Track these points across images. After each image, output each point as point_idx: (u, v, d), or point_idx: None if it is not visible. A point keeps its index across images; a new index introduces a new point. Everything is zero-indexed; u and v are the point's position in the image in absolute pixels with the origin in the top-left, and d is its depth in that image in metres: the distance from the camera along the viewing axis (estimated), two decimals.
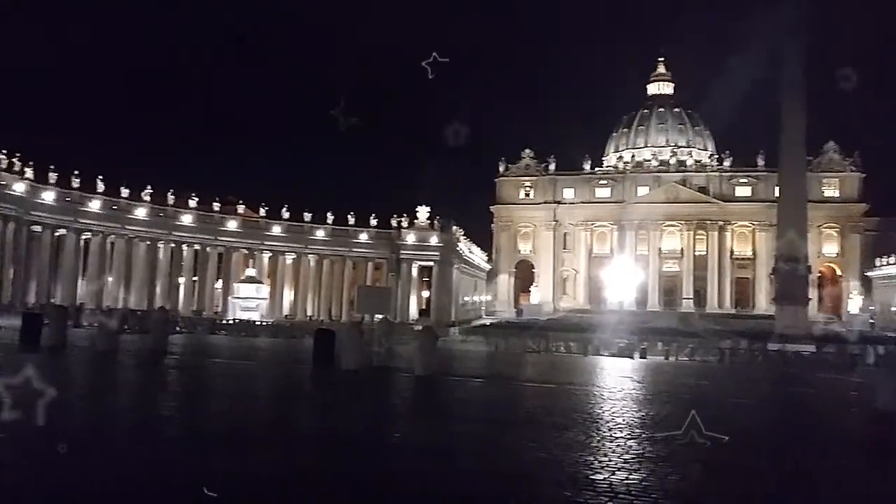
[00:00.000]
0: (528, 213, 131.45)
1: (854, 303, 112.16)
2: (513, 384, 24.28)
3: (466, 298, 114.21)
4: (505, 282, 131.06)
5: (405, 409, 17.47)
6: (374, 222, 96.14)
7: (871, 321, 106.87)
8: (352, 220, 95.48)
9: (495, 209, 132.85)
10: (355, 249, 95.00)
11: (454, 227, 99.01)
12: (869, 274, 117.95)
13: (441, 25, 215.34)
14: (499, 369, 31.37)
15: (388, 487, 8.69)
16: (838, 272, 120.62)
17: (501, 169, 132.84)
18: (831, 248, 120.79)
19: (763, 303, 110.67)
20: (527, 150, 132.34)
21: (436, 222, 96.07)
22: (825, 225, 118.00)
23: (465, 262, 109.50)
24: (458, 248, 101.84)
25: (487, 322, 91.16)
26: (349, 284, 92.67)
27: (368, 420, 14.42)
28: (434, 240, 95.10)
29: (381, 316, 34.58)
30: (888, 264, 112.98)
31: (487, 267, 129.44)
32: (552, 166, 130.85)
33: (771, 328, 57.74)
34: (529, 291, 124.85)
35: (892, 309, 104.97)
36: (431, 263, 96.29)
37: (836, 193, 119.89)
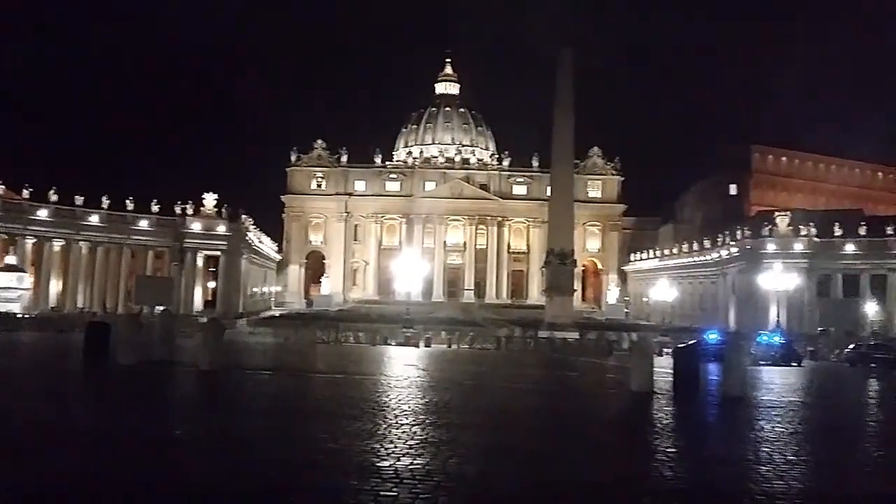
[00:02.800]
0: (319, 204, 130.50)
1: (612, 294, 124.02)
2: (302, 376, 24.34)
3: (255, 289, 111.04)
4: (296, 272, 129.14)
5: (188, 405, 16.87)
6: (155, 208, 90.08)
7: (627, 311, 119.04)
8: (131, 206, 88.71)
9: (287, 199, 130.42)
10: (134, 237, 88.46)
11: (243, 216, 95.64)
12: (625, 268, 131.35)
13: (242, 15, 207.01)
14: (288, 361, 31.17)
15: (167, 487, 8.44)
16: (599, 266, 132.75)
17: (293, 158, 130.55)
18: (594, 244, 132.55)
19: (535, 294, 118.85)
20: (319, 141, 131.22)
21: (224, 210, 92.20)
22: (589, 223, 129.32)
23: (254, 252, 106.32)
24: (247, 238, 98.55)
25: (277, 313, 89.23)
26: (127, 274, 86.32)
27: (146, 417, 13.77)
28: (222, 228, 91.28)
29: (162, 308, 32.86)
30: (641, 259, 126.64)
31: (278, 257, 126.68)
32: (344, 158, 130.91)
33: (542, 317, 62.07)
34: (320, 282, 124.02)
35: (644, 300, 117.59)
36: (218, 253, 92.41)
37: (599, 194, 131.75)
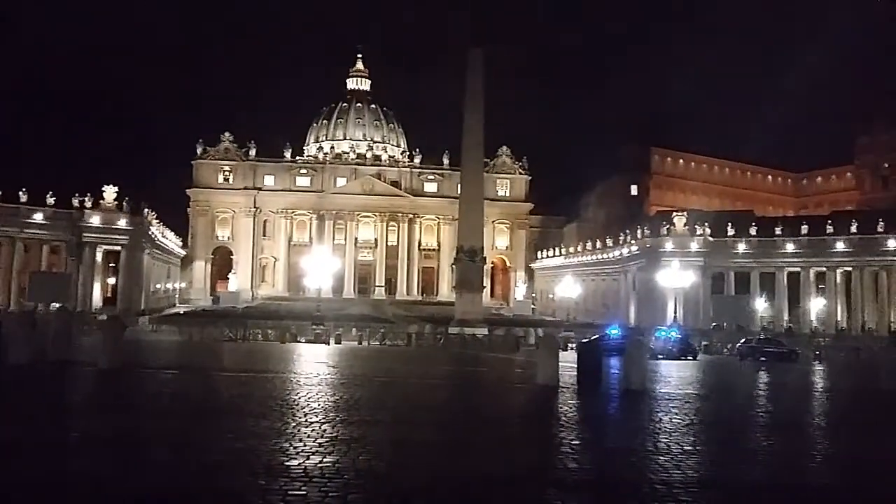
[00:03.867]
0: (227, 199, 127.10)
1: (520, 291, 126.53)
2: (208, 374, 23.73)
3: (159, 286, 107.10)
4: (201, 268, 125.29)
5: (85, 406, 16.18)
6: (51, 201, 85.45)
7: (534, 307, 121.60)
8: (24, 197, 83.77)
9: (192, 193, 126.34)
10: (28, 230, 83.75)
11: (146, 210, 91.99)
12: (532, 265, 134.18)
13: (149, 3, 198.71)
14: (193, 360, 30.32)
15: (62, 492, 8.14)
16: (508, 263, 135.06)
17: (199, 151, 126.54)
18: (503, 242, 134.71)
19: (445, 290, 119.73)
20: (227, 134, 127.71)
21: (125, 203, 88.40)
22: (498, 221, 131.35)
23: (157, 248, 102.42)
24: (150, 232, 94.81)
25: (182, 311, 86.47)
26: (20, 270, 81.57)
27: (39, 419, 13.15)
28: (123, 222, 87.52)
29: (58, 305, 31.35)
30: (547, 257, 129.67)
31: (183, 253, 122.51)
32: (253, 152, 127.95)
33: (452, 313, 62.48)
34: (227, 279, 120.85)
35: (550, 296, 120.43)
36: (119, 248, 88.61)
37: (508, 193, 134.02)
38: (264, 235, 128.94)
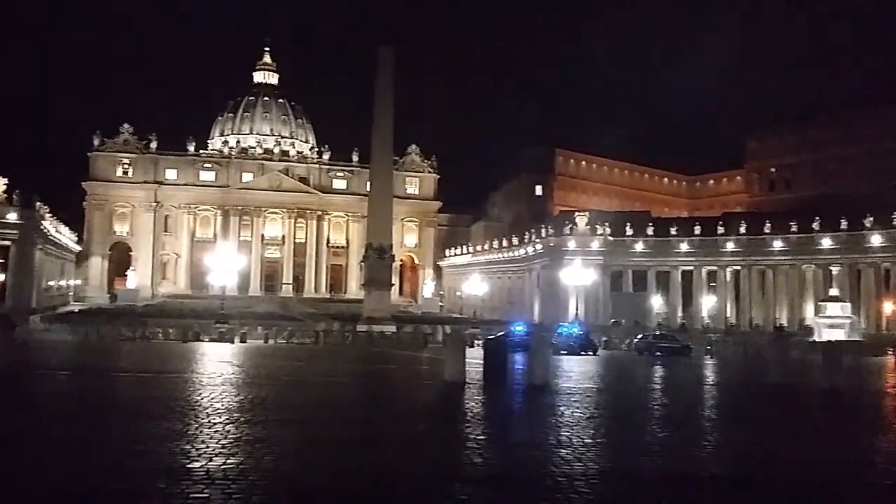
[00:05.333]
0: (126, 193, 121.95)
1: (428, 288, 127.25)
2: (105, 375, 22.84)
3: (52, 283, 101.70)
4: (98, 265, 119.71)
5: None
6: None
7: (441, 304, 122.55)
8: None
9: (88, 186, 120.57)
10: None
11: (38, 203, 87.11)
12: (440, 263, 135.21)
13: None
14: (89, 360, 29.10)
15: None
16: (416, 261, 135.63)
17: (97, 143, 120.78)
18: (411, 240, 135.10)
19: (354, 288, 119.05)
20: (126, 125, 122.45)
21: (15, 196, 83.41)
22: (407, 219, 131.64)
23: (50, 243, 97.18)
24: (42, 227, 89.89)
25: (76, 309, 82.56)
26: None
27: None
28: (12, 216, 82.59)
29: None
30: (455, 255, 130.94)
31: (78, 249, 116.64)
32: (154, 144, 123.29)
33: (360, 311, 62.27)
34: (126, 276, 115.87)
35: (458, 294, 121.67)
36: (8, 243, 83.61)
37: (417, 191, 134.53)
38: (166, 231, 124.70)
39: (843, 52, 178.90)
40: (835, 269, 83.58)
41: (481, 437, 12.99)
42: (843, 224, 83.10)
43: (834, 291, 75.62)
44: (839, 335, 64.27)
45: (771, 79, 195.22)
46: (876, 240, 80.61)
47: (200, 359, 31.19)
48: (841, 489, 9.68)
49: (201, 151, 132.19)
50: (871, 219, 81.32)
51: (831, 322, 69.28)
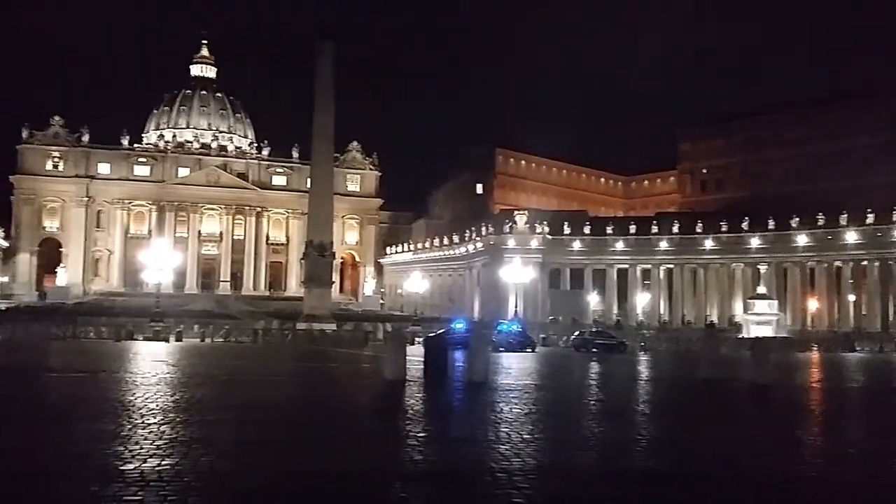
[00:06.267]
0: (56, 187, 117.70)
1: (369, 286, 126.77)
2: (34, 375, 22.11)
3: None
4: (26, 262, 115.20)
5: None
6: None
7: (382, 302, 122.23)
8: None
9: (16, 180, 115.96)
10: None
11: None
12: (381, 261, 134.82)
13: None
14: (15, 359, 28.08)
15: None
16: (357, 258, 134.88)
17: (25, 135, 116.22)
18: (352, 237, 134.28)
19: (294, 285, 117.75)
20: (56, 118, 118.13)
21: None
22: (348, 216, 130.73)
23: None
24: None
25: (3, 307, 79.40)
26: None
27: None
28: None
29: None
30: (396, 253, 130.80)
31: (5, 245, 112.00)
32: (86, 137, 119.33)
33: (300, 309, 61.64)
34: (56, 273, 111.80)
35: (399, 291, 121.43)
36: None
37: (358, 188, 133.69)
38: (98, 227, 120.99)
39: (771, 56, 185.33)
40: (762, 268, 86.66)
41: (421, 435, 13.07)
42: (771, 224, 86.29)
43: (762, 289, 78.37)
44: (767, 331, 66.57)
45: (705, 81, 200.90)
46: (801, 240, 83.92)
47: (134, 358, 30.48)
48: (768, 481, 10.09)
49: (136, 145, 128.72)
50: (797, 219, 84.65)
51: (759, 319, 71.71)
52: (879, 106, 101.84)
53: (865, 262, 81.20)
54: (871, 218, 79.72)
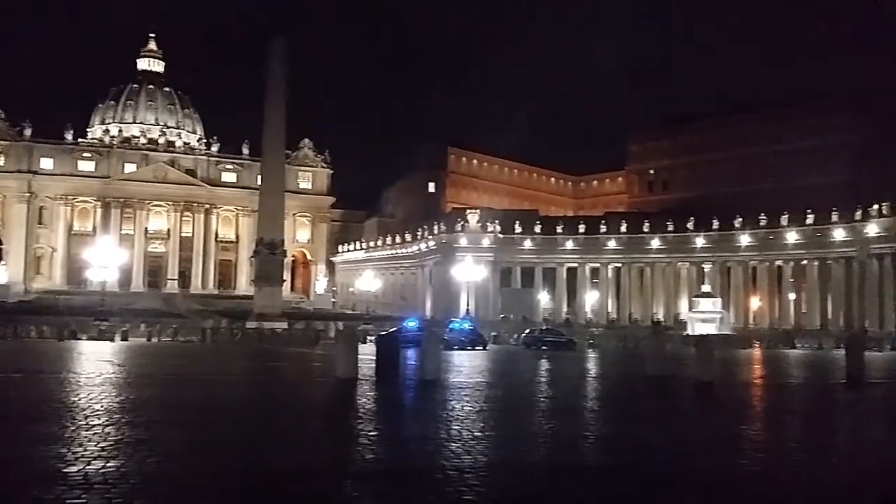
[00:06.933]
0: None
1: (320, 284, 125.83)
2: None
3: None
4: None
5: None
6: None
7: (334, 300, 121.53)
8: None
9: None
10: None
11: None
12: (333, 259, 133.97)
13: None
14: None
15: None
16: (309, 256, 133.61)
17: None
18: (304, 235, 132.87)
19: (244, 284, 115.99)
20: None
21: None
22: (299, 214, 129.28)
23: None
24: None
25: None
26: None
27: None
28: None
29: None
30: (348, 251, 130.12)
31: None
32: (28, 131, 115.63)
33: (251, 308, 61.04)
34: None
35: (351, 290, 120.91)
36: None
37: (310, 186, 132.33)
38: (40, 223, 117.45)
39: (717, 59, 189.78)
40: (707, 267, 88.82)
41: (373, 433, 13.07)
42: (715, 224, 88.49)
43: (706, 288, 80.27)
44: (711, 329, 68.17)
45: (654, 83, 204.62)
46: (744, 240, 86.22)
47: (78, 358, 29.79)
48: (713, 475, 10.36)
49: (80, 140, 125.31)
50: (741, 220, 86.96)
51: (703, 317, 73.38)
52: (821, 111, 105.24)
53: (805, 262, 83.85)
54: (810, 219, 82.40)
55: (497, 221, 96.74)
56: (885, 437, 15.03)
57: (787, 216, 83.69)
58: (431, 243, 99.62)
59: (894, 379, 26.30)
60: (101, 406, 14.83)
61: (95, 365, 26.17)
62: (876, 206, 75.80)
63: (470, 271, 72.25)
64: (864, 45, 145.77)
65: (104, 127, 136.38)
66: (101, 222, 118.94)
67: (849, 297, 79.30)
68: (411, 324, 47.96)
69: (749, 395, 22.89)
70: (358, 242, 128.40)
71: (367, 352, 27.37)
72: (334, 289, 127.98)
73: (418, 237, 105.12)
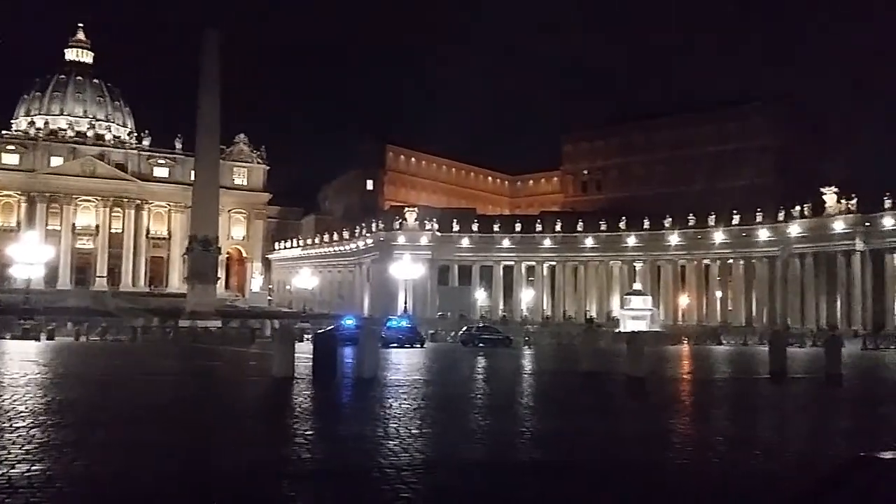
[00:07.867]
0: None
1: (256, 282, 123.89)
2: None
3: None
4: None
5: None
6: None
7: (270, 298, 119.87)
8: None
9: None
10: None
11: None
12: (269, 256, 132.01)
13: None
14: None
15: None
16: (244, 254, 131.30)
17: None
18: (239, 232, 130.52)
19: (176, 281, 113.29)
20: None
21: None
22: (235, 210, 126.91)
23: None
24: None
25: None
26: None
27: None
28: None
29: None
30: (285, 248, 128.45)
31: None
32: None
33: (183, 306, 59.75)
34: None
35: (287, 288, 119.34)
36: None
37: (245, 182, 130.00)
38: None
39: (661, 63, 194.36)
40: (638, 266, 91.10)
41: (309, 433, 13.04)
42: (646, 224, 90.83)
43: (637, 286, 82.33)
44: (642, 326, 69.86)
45: (597, 85, 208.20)
46: (673, 239, 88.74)
47: (1, 358, 28.63)
48: (644, 468, 10.71)
49: (4, 132, 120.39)
50: (670, 220, 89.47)
51: (635, 314, 75.20)
52: (744, 115, 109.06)
53: (731, 261, 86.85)
54: (736, 219, 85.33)
55: (435, 219, 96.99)
56: (805, 429, 15.75)
57: (714, 217, 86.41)
58: (369, 241, 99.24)
59: (815, 374, 27.48)
60: (26, 407, 14.40)
61: (20, 365, 25.28)
62: (798, 208, 79.00)
63: (408, 269, 72.23)
64: (782, 54, 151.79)
65: (29, 119, 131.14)
66: (25, 217, 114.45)
67: (772, 295, 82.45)
68: (349, 322, 47.73)
69: (678, 391, 23.62)
70: (295, 240, 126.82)
71: (304, 350, 27.14)
72: (270, 287, 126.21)
73: (356, 235, 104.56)
